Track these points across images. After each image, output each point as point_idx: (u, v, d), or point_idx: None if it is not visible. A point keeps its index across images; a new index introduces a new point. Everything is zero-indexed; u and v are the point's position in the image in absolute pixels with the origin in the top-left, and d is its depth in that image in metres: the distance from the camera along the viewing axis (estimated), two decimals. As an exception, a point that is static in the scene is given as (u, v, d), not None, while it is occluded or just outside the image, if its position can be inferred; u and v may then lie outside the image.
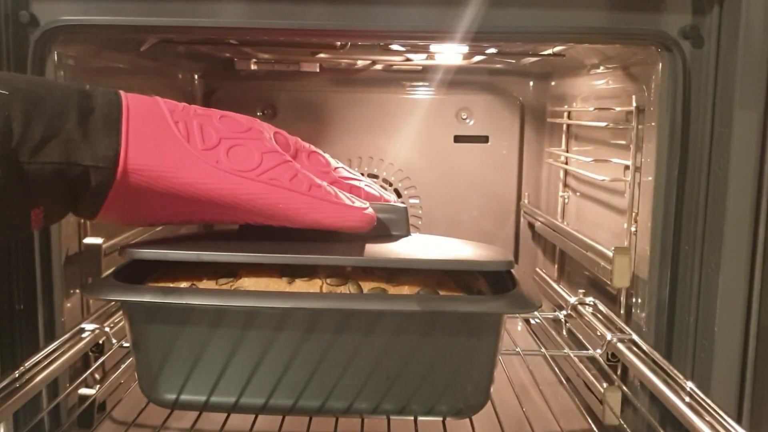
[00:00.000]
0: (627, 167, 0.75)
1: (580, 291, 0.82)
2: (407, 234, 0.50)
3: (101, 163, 0.39)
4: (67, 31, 0.58)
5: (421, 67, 1.07)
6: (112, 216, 0.43)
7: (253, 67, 1.03)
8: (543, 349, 0.76)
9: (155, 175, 0.40)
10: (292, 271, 0.45)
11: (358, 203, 0.46)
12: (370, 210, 0.46)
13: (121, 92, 0.42)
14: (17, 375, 0.53)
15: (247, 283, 0.45)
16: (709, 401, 0.51)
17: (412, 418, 0.48)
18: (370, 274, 0.45)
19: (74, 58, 0.65)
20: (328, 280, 0.45)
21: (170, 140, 0.41)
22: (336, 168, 0.49)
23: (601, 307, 0.77)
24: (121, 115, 0.40)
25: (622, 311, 0.73)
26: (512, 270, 0.49)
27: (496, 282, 0.49)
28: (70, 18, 0.57)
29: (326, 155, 0.50)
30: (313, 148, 0.50)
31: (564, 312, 0.82)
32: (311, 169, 0.47)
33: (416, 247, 0.47)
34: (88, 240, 0.69)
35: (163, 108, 0.43)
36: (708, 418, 0.50)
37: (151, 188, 0.41)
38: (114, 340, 0.66)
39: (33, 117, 0.37)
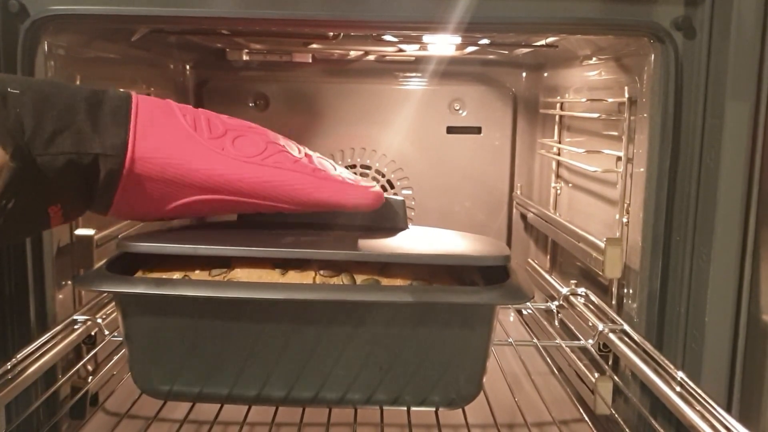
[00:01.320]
0: (619, 158, 0.75)
1: (572, 282, 0.83)
2: (405, 226, 0.50)
3: (110, 151, 0.40)
4: (57, 21, 0.57)
5: (413, 58, 1.07)
6: (124, 208, 0.44)
7: (245, 57, 1.03)
8: (535, 340, 0.76)
9: (163, 162, 0.41)
10: (284, 263, 0.45)
11: (364, 182, 0.46)
12: (377, 188, 0.46)
13: (133, 92, 0.44)
14: (9, 367, 0.53)
15: (240, 274, 0.45)
16: (699, 391, 0.52)
17: (405, 408, 0.48)
18: (363, 266, 0.45)
19: (65, 48, 0.64)
20: (321, 272, 0.45)
21: (177, 129, 0.42)
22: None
23: (593, 297, 0.77)
24: (131, 107, 0.42)
25: (613, 302, 0.74)
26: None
27: (489, 273, 0.49)
28: (60, 8, 0.56)
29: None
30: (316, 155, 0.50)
31: (556, 302, 0.83)
32: None
33: (412, 240, 0.47)
34: (80, 231, 0.68)
35: (172, 103, 0.44)
36: (698, 407, 0.50)
37: (158, 176, 0.42)
38: (106, 332, 0.65)
39: (44, 111, 0.38)
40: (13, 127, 0.37)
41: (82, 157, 0.40)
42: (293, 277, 0.44)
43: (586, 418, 0.62)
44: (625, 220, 0.72)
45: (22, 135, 0.37)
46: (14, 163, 0.37)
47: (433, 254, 0.45)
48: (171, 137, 0.42)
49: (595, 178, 0.86)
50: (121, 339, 0.70)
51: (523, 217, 1.12)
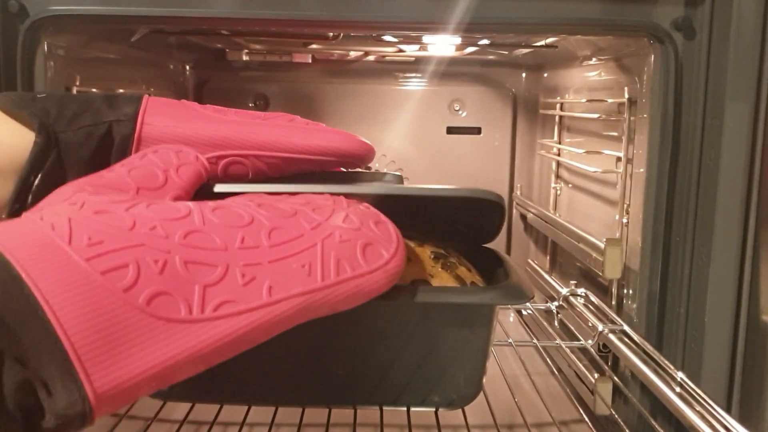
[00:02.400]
0: (619, 159, 0.75)
1: (572, 282, 0.83)
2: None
3: (123, 118, 0.44)
4: (56, 21, 0.57)
5: (413, 59, 1.07)
6: None
7: (244, 57, 1.03)
8: (535, 340, 0.76)
9: (168, 125, 0.44)
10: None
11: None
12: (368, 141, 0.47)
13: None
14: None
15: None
16: (699, 391, 0.52)
17: (405, 408, 0.48)
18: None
19: (64, 48, 0.64)
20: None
21: (185, 105, 0.46)
22: None
23: (593, 298, 0.77)
24: (143, 96, 0.46)
25: (613, 302, 0.74)
26: (504, 259, 0.49)
27: (489, 273, 0.49)
28: (60, 8, 0.57)
29: None
30: None
31: (556, 303, 0.83)
32: None
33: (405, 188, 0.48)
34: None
35: (184, 100, 0.48)
36: (698, 407, 0.50)
37: (164, 140, 0.45)
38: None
39: (66, 103, 0.43)
40: (39, 111, 0.41)
41: (98, 127, 0.43)
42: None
43: (586, 419, 0.62)
44: (624, 220, 0.72)
45: (47, 117, 0.42)
46: (39, 138, 0.40)
47: (425, 188, 0.45)
48: (179, 111, 0.46)
49: (595, 179, 0.86)
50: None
51: (523, 217, 1.12)
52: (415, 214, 0.48)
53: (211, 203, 0.35)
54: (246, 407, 0.59)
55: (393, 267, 0.37)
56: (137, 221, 0.30)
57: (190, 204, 0.34)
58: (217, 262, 0.31)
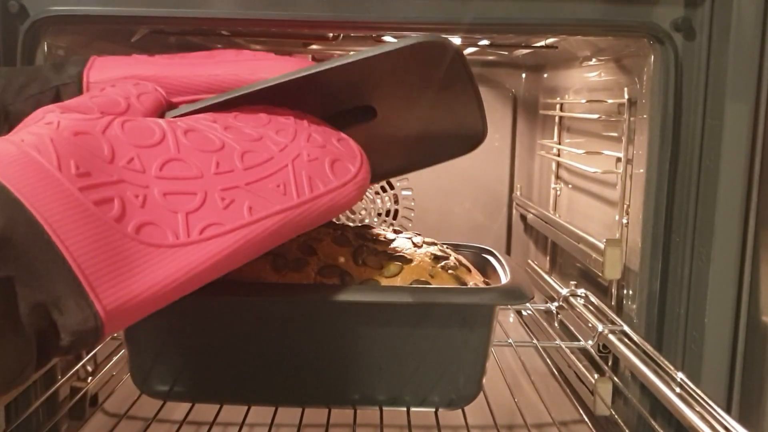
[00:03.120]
0: (619, 159, 0.75)
1: (572, 283, 0.83)
2: None
3: (67, 80, 0.44)
4: (56, 22, 0.57)
5: (413, 59, 1.07)
6: None
7: (245, 58, 1.03)
8: (535, 341, 0.76)
9: (115, 75, 0.44)
10: (283, 263, 0.45)
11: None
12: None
13: None
14: (8, 367, 0.52)
15: (237, 275, 0.45)
16: (699, 392, 0.52)
17: (405, 408, 0.48)
18: (363, 266, 0.45)
19: (64, 48, 0.64)
20: (320, 271, 0.45)
21: (131, 57, 0.46)
22: None
23: (593, 298, 0.77)
24: (90, 57, 0.45)
25: (613, 303, 0.74)
26: (504, 259, 0.49)
27: (489, 274, 0.49)
28: (60, 8, 0.57)
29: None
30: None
31: (556, 303, 0.83)
32: None
33: None
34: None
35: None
36: (698, 408, 0.50)
37: None
38: (106, 332, 0.65)
39: (14, 76, 0.43)
40: None
41: (45, 94, 0.43)
42: (291, 277, 0.44)
43: (586, 419, 0.62)
44: (624, 221, 0.72)
45: None
46: None
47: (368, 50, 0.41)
48: (123, 61, 0.45)
49: (595, 179, 0.86)
50: (120, 339, 0.70)
51: (523, 218, 1.12)
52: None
53: (181, 124, 0.36)
54: (246, 407, 0.59)
55: (361, 179, 0.39)
56: (116, 151, 0.32)
57: (163, 124, 0.35)
58: (196, 190, 0.33)
